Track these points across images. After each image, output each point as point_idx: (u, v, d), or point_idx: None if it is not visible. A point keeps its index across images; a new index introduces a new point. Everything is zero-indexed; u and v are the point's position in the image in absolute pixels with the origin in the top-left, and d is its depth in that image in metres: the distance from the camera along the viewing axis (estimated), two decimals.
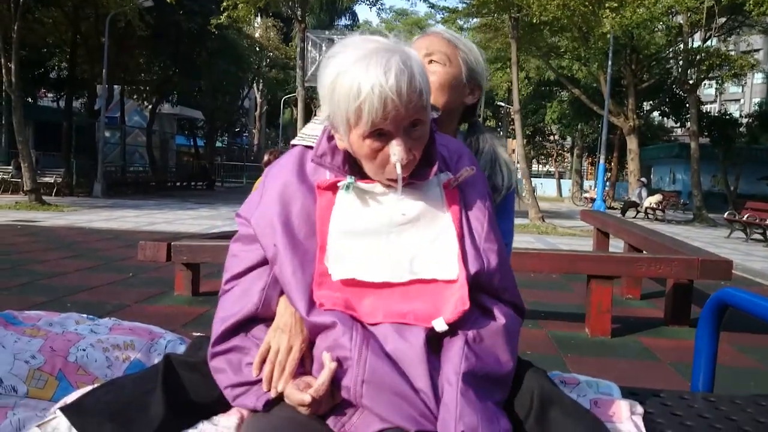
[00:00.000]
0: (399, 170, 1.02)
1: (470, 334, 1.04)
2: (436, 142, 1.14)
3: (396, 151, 1.01)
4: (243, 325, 1.10)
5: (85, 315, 1.66)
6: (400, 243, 1.08)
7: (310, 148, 1.17)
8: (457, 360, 1.01)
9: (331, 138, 1.12)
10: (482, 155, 1.42)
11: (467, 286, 1.05)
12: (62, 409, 1.08)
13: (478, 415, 0.97)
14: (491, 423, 0.98)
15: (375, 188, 1.09)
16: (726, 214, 14.98)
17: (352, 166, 1.11)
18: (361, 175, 1.10)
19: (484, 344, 1.05)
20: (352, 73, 0.98)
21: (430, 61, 1.37)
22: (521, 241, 10.46)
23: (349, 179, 1.08)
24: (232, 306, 1.11)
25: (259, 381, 1.06)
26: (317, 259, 1.06)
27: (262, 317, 1.10)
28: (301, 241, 1.08)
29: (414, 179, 1.09)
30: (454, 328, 1.04)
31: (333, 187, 1.10)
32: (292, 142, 1.26)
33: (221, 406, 1.12)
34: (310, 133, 1.23)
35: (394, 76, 0.96)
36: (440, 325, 1.02)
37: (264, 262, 1.11)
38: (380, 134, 1.01)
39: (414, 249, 1.08)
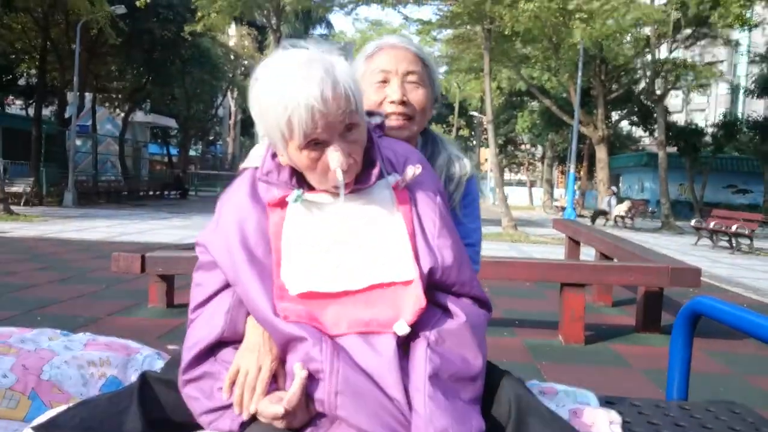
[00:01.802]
0: (340, 176, 1.03)
1: (431, 336, 1.05)
2: (382, 145, 1.17)
3: (334, 157, 1.03)
4: (211, 350, 1.09)
5: (58, 331, 1.63)
6: (354, 250, 1.08)
7: None
8: (422, 364, 1.02)
9: (275, 155, 1.13)
10: (440, 157, 1.44)
11: (422, 284, 1.05)
12: (35, 428, 1.06)
13: (448, 417, 0.97)
14: (463, 423, 0.99)
15: (323, 198, 1.10)
16: (693, 221, 15.34)
17: (300, 179, 1.12)
18: (310, 187, 1.11)
19: (446, 345, 1.05)
20: (277, 89, 1.00)
21: (411, 82, 1.37)
22: (495, 249, 10.55)
23: (296, 192, 1.09)
24: (199, 332, 1.10)
25: (232, 404, 1.05)
26: (274, 275, 1.06)
27: (229, 340, 1.10)
28: (260, 260, 1.08)
29: (359, 184, 1.10)
30: (416, 331, 1.04)
31: (283, 203, 1.11)
32: (242, 165, 1.27)
33: (199, 424, 1.11)
34: (257, 153, 1.24)
35: (317, 85, 0.98)
36: (402, 329, 1.02)
37: (227, 285, 1.11)
38: (316, 143, 1.03)
39: (368, 254, 1.08)
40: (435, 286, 1.10)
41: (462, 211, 1.40)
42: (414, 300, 1.04)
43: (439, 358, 1.03)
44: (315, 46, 1.07)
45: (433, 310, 1.08)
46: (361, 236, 1.09)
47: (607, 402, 1.48)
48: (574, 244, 7.25)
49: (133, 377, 1.37)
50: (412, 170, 1.13)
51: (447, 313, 1.10)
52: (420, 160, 1.21)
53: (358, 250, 1.08)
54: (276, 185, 1.13)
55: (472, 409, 1.04)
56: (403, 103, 1.35)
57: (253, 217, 1.11)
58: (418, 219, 1.13)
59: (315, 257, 1.07)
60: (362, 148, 1.09)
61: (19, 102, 25.98)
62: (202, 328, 1.10)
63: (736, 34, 23.17)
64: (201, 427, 1.11)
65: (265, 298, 1.04)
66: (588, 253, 7.68)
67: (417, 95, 1.37)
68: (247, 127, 43.52)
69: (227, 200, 1.18)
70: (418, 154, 1.25)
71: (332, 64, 1.03)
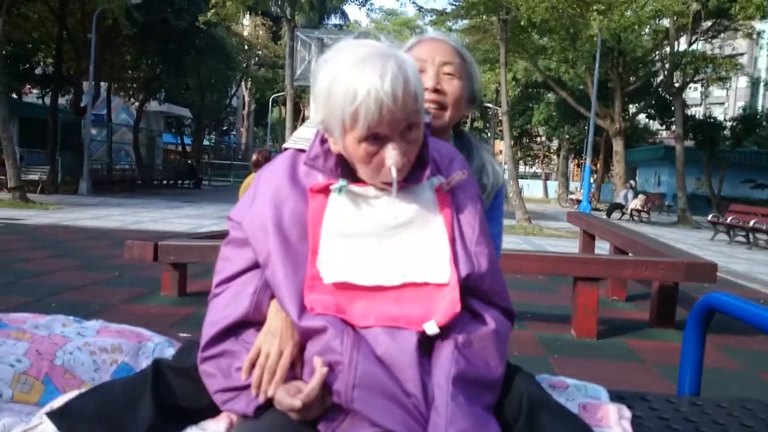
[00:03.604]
0: (394, 174, 1.03)
1: (460, 338, 1.05)
2: (429, 146, 1.15)
3: (392, 155, 1.02)
4: (233, 329, 1.09)
5: (71, 317, 1.64)
6: (392, 246, 1.08)
7: (303, 151, 1.17)
8: (448, 364, 1.01)
9: (324, 141, 1.12)
10: (474, 162, 1.43)
11: (458, 289, 1.05)
12: (48, 414, 1.07)
13: (468, 420, 0.97)
14: (481, 427, 0.98)
15: (367, 191, 1.09)
16: (710, 216, 15.17)
17: (345, 169, 1.11)
18: (353, 178, 1.10)
19: (473, 348, 1.05)
20: (348, 78, 0.98)
21: (446, 73, 1.36)
22: (508, 242, 10.51)
23: (341, 182, 1.08)
24: (223, 309, 1.10)
25: (249, 386, 1.05)
26: (309, 263, 1.06)
27: (252, 321, 1.09)
28: (293, 245, 1.07)
29: (406, 183, 1.09)
30: (444, 331, 1.04)
31: (325, 190, 1.10)
32: (285, 145, 1.26)
33: (210, 411, 1.12)
34: (302, 136, 1.23)
35: (390, 81, 0.97)
36: (432, 329, 1.02)
37: (255, 265, 1.10)
38: (376, 138, 1.02)
39: (406, 252, 1.08)
40: (467, 291, 1.09)
41: (486, 214, 1.39)
42: (448, 303, 1.04)
43: (465, 360, 1.03)
44: (386, 39, 1.07)
45: (463, 312, 1.07)
46: (401, 234, 1.09)
47: (617, 397, 1.47)
48: (588, 237, 7.20)
49: (144, 364, 1.38)
50: (459, 176, 1.13)
51: (476, 318, 1.10)
52: (463, 164, 1.21)
53: (397, 247, 1.08)
54: (321, 171, 1.12)
55: (489, 416, 1.04)
56: (436, 91, 1.34)
57: (291, 200, 1.11)
58: (458, 223, 1.13)
59: (353, 249, 1.07)
60: (418, 148, 1.08)
61: (35, 91, 26.22)
62: (227, 306, 1.10)
63: (759, 26, 22.75)
64: (211, 415, 1.11)
65: (293, 285, 1.04)
66: (603, 247, 7.63)
67: (452, 86, 1.36)
68: (260, 117, 43.67)
69: (266, 179, 1.16)
70: (461, 157, 1.24)
71: (404, 61, 1.02)
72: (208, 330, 1.10)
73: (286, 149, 1.23)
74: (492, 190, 1.41)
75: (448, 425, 0.95)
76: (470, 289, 1.10)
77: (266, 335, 1.07)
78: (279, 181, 1.14)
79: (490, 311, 1.11)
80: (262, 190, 1.15)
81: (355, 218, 1.09)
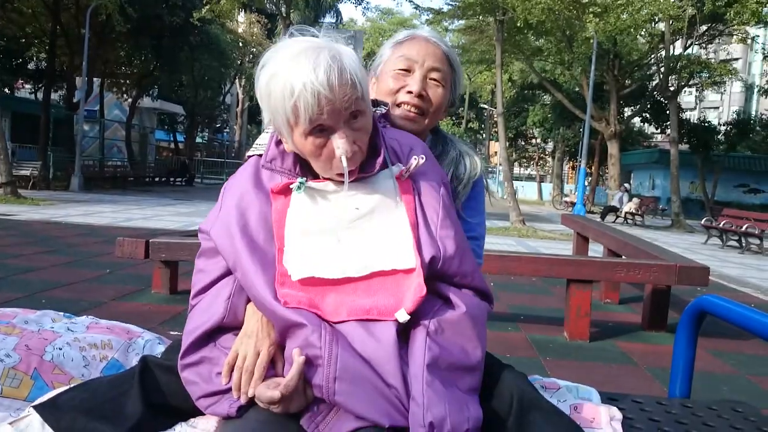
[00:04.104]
0: (344, 163, 1.04)
1: (431, 325, 1.05)
2: (387, 135, 1.17)
3: (339, 144, 1.04)
4: (211, 336, 1.10)
5: (61, 313, 1.64)
6: (356, 237, 1.09)
7: None
8: (420, 352, 1.02)
9: (279, 142, 1.14)
10: (449, 153, 1.43)
11: (423, 273, 1.06)
12: (36, 406, 1.08)
13: (445, 405, 0.98)
14: (460, 411, 0.99)
15: (327, 186, 1.11)
16: (703, 220, 15.25)
17: (304, 167, 1.13)
18: (313, 175, 1.12)
19: (445, 335, 1.06)
20: (283, 74, 1.01)
21: (433, 79, 1.36)
22: (502, 243, 10.54)
23: (299, 180, 1.10)
24: (199, 317, 1.11)
25: (231, 389, 1.05)
26: (277, 261, 1.07)
27: (229, 326, 1.10)
28: (261, 246, 1.09)
29: (363, 173, 1.11)
30: (416, 320, 1.05)
31: (286, 190, 1.11)
32: (247, 153, 1.28)
33: (199, 409, 1.11)
34: (262, 142, 1.25)
35: (324, 71, 0.99)
36: (402, 316, 1.03)
37: (228, 272, 1.12)
38: (321, 130, 1.03)
39: (370, 242, 1.09)
40: (436, 277, 1.10)
41: (465, 204, 1.39)
42: (415, 288, 1.05)
43: (438, 347, 1.03)
44: (323, 33, 1.08)
45: (434, 299, 1.08)
46: (364, 224, 1.10)
47: (609, 398, 1.47)
48: (582, 240, 7.21)
49: (134, 361, 1.38)
50: (416, 160, 1.13)
51: (447, 303, 1.10)
52: (424, 151, 1.21)
53: (361, 237, 1.09)
54: (280, 172, 1.14)
55: (470, 398, 1.04)
56: (420, 96, 1.34)
57: (256, 204, 1.12)
58: (421, 209, 1.13)
59: (318, 244, 1.08)
60: (367, 136, 1.09)
61: (28, 86, 26.07)
62: (203, 314, 1.11)
63: (754, 31, 22.91)
64: (199, 412, 1.11)
65: (264, 284, 1.05)
66: (597, 250, 7.65)
67: (436, 93, 1.36)
68: (254, 115, 43.49)
69: (230, 187, 1.19)
70: (422, 144, 1.25)
71: (339, 51, 1.04)
72: (186, 338, 1.11)
73: (249, 157, 1.25)
74: (469, 181, 1.40)
75: (426, 412, 0.96)
76: (439, 272, 1.10)
77: (242, 338, 1.07)
78: (243, 187, 1.15)
79: (461, 294, 1.11)
80: (227, 198, 1.16)
81: (317, 214, 1.10)
